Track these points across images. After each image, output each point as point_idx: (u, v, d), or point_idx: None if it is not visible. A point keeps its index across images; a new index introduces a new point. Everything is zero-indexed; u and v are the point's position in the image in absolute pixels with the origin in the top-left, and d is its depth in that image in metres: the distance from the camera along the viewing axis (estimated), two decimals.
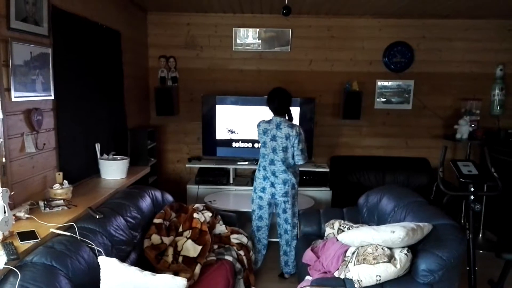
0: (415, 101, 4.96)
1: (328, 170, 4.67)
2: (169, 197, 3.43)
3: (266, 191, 3.46)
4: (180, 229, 3.04)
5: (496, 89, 4.72)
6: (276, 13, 4.75)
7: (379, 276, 2.23)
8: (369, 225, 3.01)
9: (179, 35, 4.96)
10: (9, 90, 2.32)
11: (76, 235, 2.21)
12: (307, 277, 2.71)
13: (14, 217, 2.19)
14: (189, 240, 2.89)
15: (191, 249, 2.84)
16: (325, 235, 3.21)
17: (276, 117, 3.41)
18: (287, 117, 3.47)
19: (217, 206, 4.01)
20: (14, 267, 1.81)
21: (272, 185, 3.43)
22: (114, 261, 2.01)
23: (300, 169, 4.53)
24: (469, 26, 4.84)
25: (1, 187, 2.18)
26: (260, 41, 4.91)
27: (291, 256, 3.55)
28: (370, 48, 4.92)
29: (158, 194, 3.30)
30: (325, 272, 2.69)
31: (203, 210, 3.21)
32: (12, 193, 2.13)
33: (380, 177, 4.85)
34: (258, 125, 3.49)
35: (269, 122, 3.43)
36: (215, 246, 3.07)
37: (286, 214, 3.49)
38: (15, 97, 2.36)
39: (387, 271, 2.23)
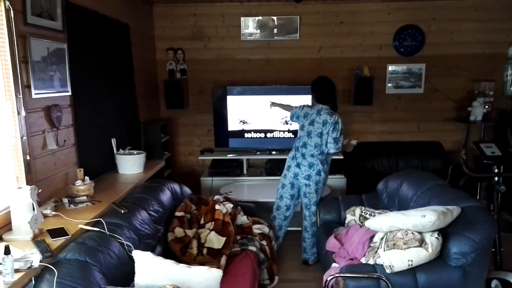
0: (427, 85, 4.91)
1: (342, 157, 4.65)
2: (187, 190, 3.42)
3: (290, 169, 3.52)
4: (202, 221, 3.03)
5: (509, 69, 4.66)
6: (283, 0, 4.69)
7: (411, 260, 2.21)
8: (390, 211, 3.00)
9: (186, 27, 4.90)
10: (29, 87, 2.29)
11: (105, 230, 2.20)
12: (334, 264, 2.70)
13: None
14: (213, 232, 2.88)
15: (215, 240, 2.82)
16: (346, 222, 3.20)
17: (319, 104, 3.47)
18: (331, 106, 3.51)
19: (234, 197, 3.99)
20: (49, 264, 1.80)
21: (298, 165, 3.47)
22: (149, 254, 2.00)
23: None
24: (479, 6, 4.77)
25: (26, 185, 2.18)
26: (259, 30, 4.83)
27: (308, 243, 3.56)
28: (380, 33, 4.86)
29: (176, 187, 3.29)
30: (351, 259, 2.69)
31: (223, 201, 3.20)
32: (39, 190, 2.11)
33: (393, 163, 4.83)
34: (302, 108, 3.55)
35: (311, 107, 3.51)
36: (238, 237, 3.06)
37: (306, 198, 3.50)
38: (35, 94, 2.33)
39: (419, 255, 2.21)
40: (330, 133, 3.35)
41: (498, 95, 4.76)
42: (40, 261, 1.77)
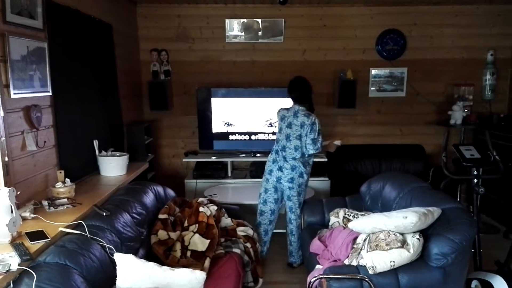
0: (409, 88, 5.00)
1: (326, 160, 4.68)
2: (171, 192, 3.39)
3: (273, 173, 3.50)
4: (186, 224, 3.00)
5: (487, 74, 4.79)
6: (268, 3, 4.71)
7: (393, 261, 2.24)
8: (373, 212, 3.03)
9: (170, 28, 4.87)
10: (8, 86, 2.24)
11: (86, 233, 2.16)
12: (318, 266, 2.71)
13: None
14: (196, 234, 2.85)
15: (199, 243, 2.80)
16: (330, 224, 3.22)
17: (295, 105, 3.45)
18: (307, 107, 3.48)
19: (218, 199, 3.97)
20: (27, 267, 1.75)
21: (280, 169, 3.45)
22: (131, 257, 1.97)
23: None
24: (459, 12, 4.88)
25: (5, 186, 2.12)
26: (243, 32, 4.84)
27: (295, 246, 3.55)
28: (363, 37, 4.92)
29: (160, 189, 3.25)
30: (335, 261, 2.70)
31: (208, 203, 3.18)
32: (18, 192, 2.06)
33: (376, 165, 4.89)
34: (278, 111, 3.56)
35: (288, 109, 3.48)
36: (222, 240, 3.04)
37: (290, 202, 3.50)
38: (14, 93, 2.28)
39: (401, 256, 2.24)
40: (308, 134, 3.33)
41: (477, 99, 4.88)
42: (19, 265, 1.73)
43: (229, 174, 4.75)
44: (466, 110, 4.70)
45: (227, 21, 4.83)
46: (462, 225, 2.32)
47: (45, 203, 2.46)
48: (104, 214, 2.41)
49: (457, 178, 2.98)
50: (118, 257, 2.01)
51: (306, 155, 3.45)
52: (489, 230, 4.24)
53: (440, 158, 3.00)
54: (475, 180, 2.89)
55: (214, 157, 4.71)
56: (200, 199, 3.24)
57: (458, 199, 4.58)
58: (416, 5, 4.82)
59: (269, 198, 3.56)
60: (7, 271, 1.67)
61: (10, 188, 1.95)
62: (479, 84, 4.90)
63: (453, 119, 4.67)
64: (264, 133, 4.74)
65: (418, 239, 2.31)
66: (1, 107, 2.15)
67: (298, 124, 3.37)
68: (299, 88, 3.47)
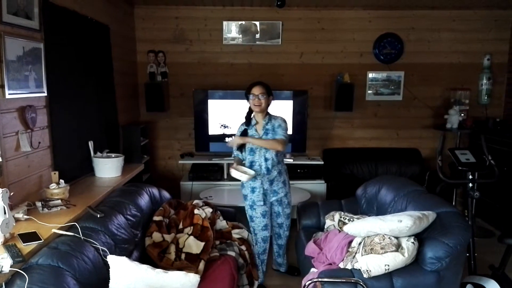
0: (406, 92, 5.01)
1: (322, 162, 4.68)
2: (166, 194, 3.38)
3: None
4: (180, 226, 2.99)
5: (483, 78, 4.81)
6: (266, 5, 4.72)
7: (388, 265, 2.24)
8: (368, 216, 3.03)
9: (167, 29, 4.87)
10: (2, 86, 2.23)
11: (79, 235, 2.14)
12: (312, 269, 2.71)
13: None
14: (191, 237, 2.84)
15: (194, 245, 2.79)
16: (326, 227, 3.21)
17: None
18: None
19: (214, 202, 3.96)
20: (19, 269, 1.74)
21: None
22: (124, 259, 1.96)
23: (295, 162, 4.62)
24: (456, 16, 4.91)
25: None
26: (241, 35, 4.85)
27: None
28: (361, 40, 4.94)
29: (155, 191, 3.24)
30: (330, 264, 2.70)
31: (203, 206, 3.17)
32: (11, 193, 2.04)
33: (372, 168, 4.90)
34: None
35: None
36: (217, 242, 3.03)
37: None
38: (9, 94, 2.27)
39: (395, 260, 2.24)
40: None
41: (473, 104, 4.90)
42: (11, 266, 1.71)
43: (225, 177, 4.74)
44: (462, 115, 4.72)
45: (224, 23, 4.83)
46: (457, 229, 2.32)
47: (38, 204, 2.44)
48: (98, 216, 2.40)
49: (452, 182, 2.98)
50: (112, 259, 2.00)
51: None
52: (484, 234, 4.25)
53: (436, 162, 3.00)
54: (470, 184, 2.89)
55: (211, 159, 4.69)
56: (195, 201, 3.23)
57: (453, 203, 4.59)
58: (413, 10, 4.83)
59: None
60: None
61: (3, 189, 1.93)
62: (475, 89, 4.92)
63: (449, 123, 4.68)
64: None
65: (412, 243, 2.31)
66: None
67: None
68: None
